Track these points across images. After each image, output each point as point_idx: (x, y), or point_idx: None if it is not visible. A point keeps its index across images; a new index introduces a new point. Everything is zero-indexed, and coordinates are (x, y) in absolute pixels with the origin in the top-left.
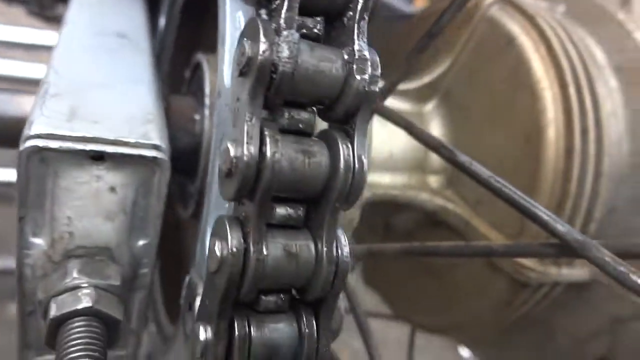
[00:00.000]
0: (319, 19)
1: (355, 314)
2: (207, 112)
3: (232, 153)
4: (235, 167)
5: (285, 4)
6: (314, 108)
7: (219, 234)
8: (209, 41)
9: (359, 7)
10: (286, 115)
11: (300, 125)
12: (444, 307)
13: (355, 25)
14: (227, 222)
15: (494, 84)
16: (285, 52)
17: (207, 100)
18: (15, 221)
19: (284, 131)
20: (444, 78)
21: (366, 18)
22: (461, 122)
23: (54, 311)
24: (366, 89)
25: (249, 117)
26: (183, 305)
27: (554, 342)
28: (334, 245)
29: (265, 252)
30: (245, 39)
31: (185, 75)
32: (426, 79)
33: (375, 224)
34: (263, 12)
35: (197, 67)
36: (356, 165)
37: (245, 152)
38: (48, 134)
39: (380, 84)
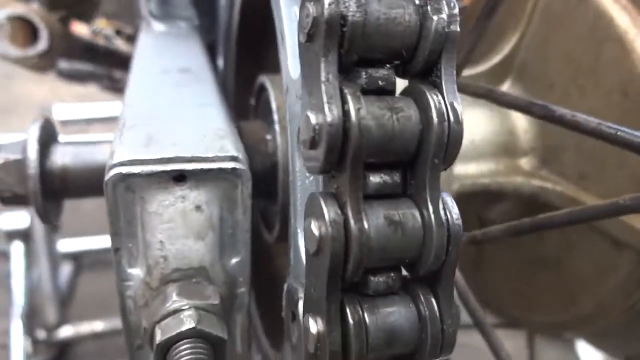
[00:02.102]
0: None
1: (481, 328)
2: (277, 128)
3: (313, 121)
4: (319, 135)
5: None
6: (392, 65)
7: (313, 212)
8: (269, 65)
9: None
10: (363, 74)
11: (380, 83)
12: (564, 300)
13: None
14: (320, 198)
15: (573, 46)
16: (352, 1)
17: (275, 117)
18: (114, 285)
19: (364, 92)
20: (515, 54)
21: None
22: (544, 95)
23: (159, 337)
24: (446, 29)
25: (324, 77)
26: (285, 316)
27: None
28: (441, 208)
29: (366, 222)
30: (306, 1)
31: (250, 103)
32: (495, 58)
33: (468, 221)
34: None
35: (261, 90)
36: (450, 114)
37: (328, 114)
38: (129, 160)
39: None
